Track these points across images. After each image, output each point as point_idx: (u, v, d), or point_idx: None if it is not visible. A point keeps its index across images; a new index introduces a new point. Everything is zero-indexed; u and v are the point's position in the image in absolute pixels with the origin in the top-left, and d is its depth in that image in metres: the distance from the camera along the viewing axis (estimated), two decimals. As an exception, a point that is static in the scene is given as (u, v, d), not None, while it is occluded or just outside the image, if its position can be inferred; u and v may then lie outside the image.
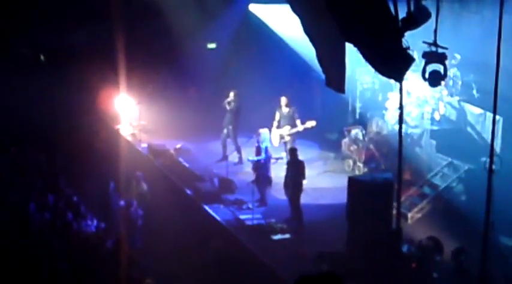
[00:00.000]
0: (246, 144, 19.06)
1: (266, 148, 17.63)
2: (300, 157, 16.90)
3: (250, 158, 17.83)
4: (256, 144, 17.70)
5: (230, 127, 20.12)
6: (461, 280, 13.48)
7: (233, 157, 19.65)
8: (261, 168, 17.42)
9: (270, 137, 18.67)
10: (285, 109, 19.41)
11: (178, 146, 20.50)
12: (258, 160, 17.51)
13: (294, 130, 19.18)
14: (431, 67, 11.95)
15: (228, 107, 20.12)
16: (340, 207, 15.13)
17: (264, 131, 18.09)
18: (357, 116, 21.26)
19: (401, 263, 13.29)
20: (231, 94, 20.16)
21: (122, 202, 17.87)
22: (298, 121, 19.20)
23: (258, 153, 17.59)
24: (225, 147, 20.20)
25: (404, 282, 13.42)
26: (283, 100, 19.48)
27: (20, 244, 12.98)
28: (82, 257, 13.31)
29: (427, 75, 11.96)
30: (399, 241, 13.15)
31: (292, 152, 16.80)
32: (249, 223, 16.49)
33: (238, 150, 19.93)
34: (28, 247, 12.98)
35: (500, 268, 13.80)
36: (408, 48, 10.66)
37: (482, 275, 12.12)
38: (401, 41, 10.58)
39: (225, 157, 19.38)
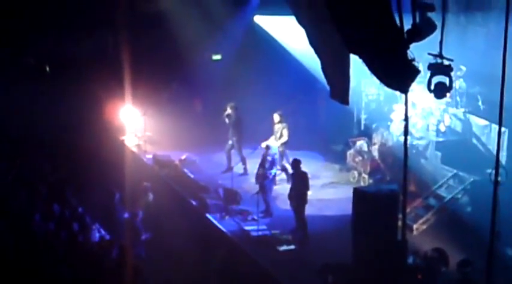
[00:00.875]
0: (251, 156, 19.05)
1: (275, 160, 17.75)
2: (305, 168, 16.90)
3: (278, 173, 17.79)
4: (270, 158, 17.65)
5: (234, 138, 20.16)
6: (467, 292, 13.46)
7: (238, 168, 19.66)
8: (267, 179, 17.45)
9: None
10: (277, 126, 19.46)
11: (183, 157, 20.51)
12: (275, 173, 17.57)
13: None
14: (436, 79, 11.96)
15: (227, 120, 20.18)
16: (346, 218, 15.13)
17: (271, 143, 18.19)
18: (362, 127, 21.28)
19: (406, 274, 13.27)
20: (228, 107, 20.22)
21: (127, 213, 17.87)
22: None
23: (273, 165, 17.61)
24: (230, 158, 20.23)
25: (409, 294, 13.41)
26: (275, 117, 19.55)
27: (24, 253, 12.98)
28: (87, 266, 13.31)
29: (432, 87, 11.96)
30: (404, 253, 13.13)
31: (296, 163, 16.79)
32: (254, 234, 16.50)
33: (243, 161, 19.95)
34: (32, 256, 12.98)
35: (506, 279, 13.77)
36: (413, 59, 10.67)
37: (487, 287, 12.07)
38: (406, 53, 10.59)
39: (229, 168, 19.37)
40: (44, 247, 13.58)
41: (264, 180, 17.44)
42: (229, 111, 20.22)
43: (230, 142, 20.25)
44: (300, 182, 16.47)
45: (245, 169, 19.96)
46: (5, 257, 12.72)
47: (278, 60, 23.00)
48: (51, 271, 12.69)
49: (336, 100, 12.85)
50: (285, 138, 19.40)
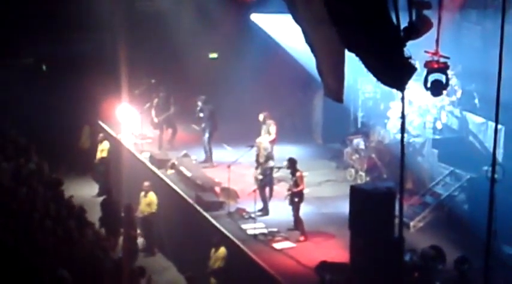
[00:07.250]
0: (248, 153, 18.94)
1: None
2: (302, 166, 16.91)
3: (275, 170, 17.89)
4: (265, 153, 17.68)
5: (208, 130, 20.34)
6: (464, 289, 13.50)
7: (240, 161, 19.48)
8: (264, 177, 17.45)
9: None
10: (263, 126, 19.40)
11: (180, 155, 20.49)
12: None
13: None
14: (433, 76, 11.98)
15: (201, 115, 20.35)
16: (343, 215, 15.14)
17: (263, 139, 18.19)
18: (359, 125, 21.26)
19: (403, 272, 13.27)
20: (199, 101, 20.38)
21: (123, 211, 17.87)
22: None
23: (268, 160, 17.67)
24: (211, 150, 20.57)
25: (406, 291, 13.42)
26: (260, 117, 19.52)
27: (22, 252, 12.98)
28: (85, 266, 13.31)
29: (428, 85, 11.98)
30: (401, 250, 13.13)
31: (291, 162, 16.76)
32: (251, 232, 16.50)
33: (210, 153, 20.41)
34: (30, 255, 12.98)
35: (502, 277, 13.79)
36: (410, 57, 10.67)
37: (484, 284, 12.09)
38: (403, 51, 10.59)
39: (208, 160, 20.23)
40: (41, 246, 13.58)
41: (262, 177, 17.45)
42: (199, 105, 20.32)
43: (207, 135, 20.35)
44: (294, 180, 16.49)
45: (207, 159, 20.37)
46: (4, 256, 12.72)
47: (275, 58, 23.01)
48: (49, 271, 12.68)
49: (330, 97, 12.83)
50: (272, 136, 19.25)
